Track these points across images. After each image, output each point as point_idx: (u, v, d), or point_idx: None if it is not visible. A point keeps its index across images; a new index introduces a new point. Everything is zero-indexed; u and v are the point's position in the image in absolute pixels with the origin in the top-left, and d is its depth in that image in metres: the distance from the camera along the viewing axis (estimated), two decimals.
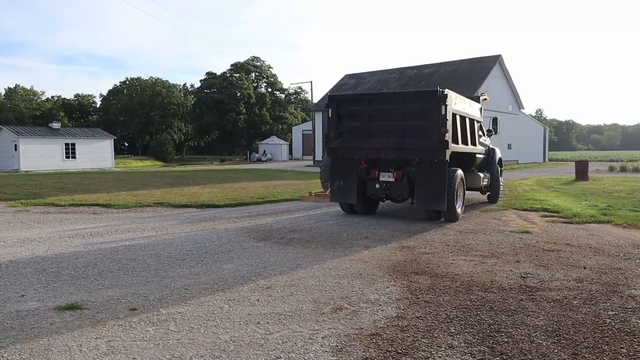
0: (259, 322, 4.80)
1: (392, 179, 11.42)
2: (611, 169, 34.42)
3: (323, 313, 5.06)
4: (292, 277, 6.47)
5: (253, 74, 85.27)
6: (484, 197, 15.13)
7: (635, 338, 4.38)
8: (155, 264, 7.14)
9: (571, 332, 4.50)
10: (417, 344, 4.27)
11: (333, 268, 6.93)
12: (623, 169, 34.03)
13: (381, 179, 11.56)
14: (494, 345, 4.23)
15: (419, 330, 4.57)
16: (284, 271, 6.77)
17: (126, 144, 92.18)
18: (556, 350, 4.12)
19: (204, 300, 5.49)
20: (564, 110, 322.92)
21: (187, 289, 5.90)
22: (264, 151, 64.59)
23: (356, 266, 7.04)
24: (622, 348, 4.17)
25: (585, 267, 6.90)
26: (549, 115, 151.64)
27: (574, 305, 5.25)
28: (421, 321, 4.81)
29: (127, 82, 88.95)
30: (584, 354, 4.05)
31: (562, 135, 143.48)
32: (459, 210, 11.46)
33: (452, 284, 6.10)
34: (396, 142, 11.04)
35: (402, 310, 5.14)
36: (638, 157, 59.07)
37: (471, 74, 37.40)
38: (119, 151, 73.09)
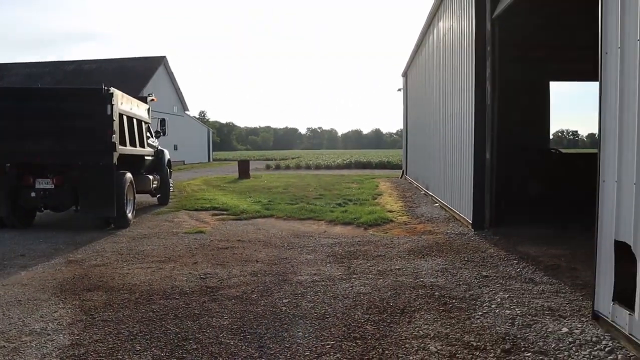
0: None
1: (51, 186, 10.15)
2: (268, 167, 38.64)
3: None
4: None
5: None
6: (155, 200, 14.86)
7: (307, 320, 4.82)
8: None
9: (254, 326, 4.67)
10: None
11: None
12: (277, 167, 38.88)
13: (38, 186, 10.15)
14: (184, 355, 4.06)
15: (101, 356, 4.05)
16: None
17: None
18: (244, 347, 4.20)
19: None
20: (225, 113, 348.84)
21: None
22: None
23: (12, 292, 5.92)
24: (299, 332, 4.52)
25: (257, 261, 7.35)
26: (211, 117, 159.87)
27: (253, 299, 5.49)
28: (101, 344, 4.29)
29: None
30: (269, 345, 4.24)
31: (224, 137, 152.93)
32: (129, 215, 10.94)
33: (130, 296, 5.68)
34: (55, 145, 9.89)
35: (77, 335, 4.50)
36: (288, 155, 68.00)
37: (136, 74, 36.61)
38: None
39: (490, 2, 9.18)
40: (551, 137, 23.70)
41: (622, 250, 4.23)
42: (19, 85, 34.76)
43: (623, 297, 4.23)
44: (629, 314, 4.06)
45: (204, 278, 6.42)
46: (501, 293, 5.57)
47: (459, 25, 10.98)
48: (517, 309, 5.01)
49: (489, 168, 9.47)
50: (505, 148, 10.52)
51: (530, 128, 16.69)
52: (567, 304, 5.17)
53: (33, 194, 10.14)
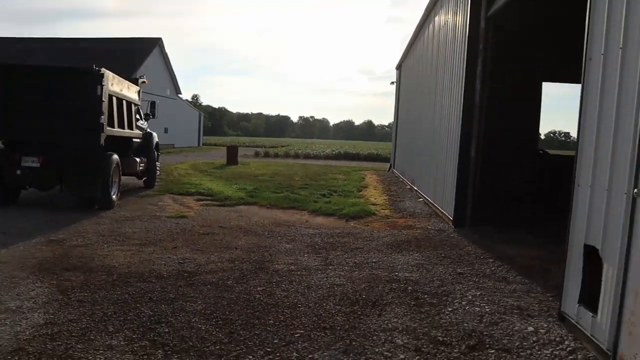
0: None
1: (37, 164, 10.13)
2: (257, 154, 38.62)
3: None
4: None
5: None
6: (141, 182, 14.83)
7: (279, 308, 4.90)
8: None
9: (227, 312, 4.74)
10: (70, 352, 3.83)
11: None
12: (267, 155, 38.83)
13: (24, 164, 10.13)
14: (155, 338, 4.12)
15: (73, 335, 4.11)
16: None
17: None
18: (214, 332, 4.27)
19: None
20: (217, 98, 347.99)
21: None
22: None
23: None
24: (270, 320, 4.60)
25: (236, 248, 7.42)
26: (204, 101, 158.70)
27: (228, 286, 5.56)
28: (75, 324, 4.34)
29: None
30: (239, 331, 4.32)
31: (215, 122, 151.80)
32: (114, 197, 10.93)
33: (108, 278, 5.73)
34: (43, 123, 9.87)
35: (52, 315, 4.55)
36: (278, 143, 68.00)
37: (130, 55, 36.24)
38: None
39: (487, 0, 9.21)
40: (542, 137, 23.83)
41: (591, 254, 4.33)
42: (9, 60, 34.40)
43: (589, 299, 4.33)
44: (592, 316, 4.17)
45: (182, 263, 6.48)
46: (473, 290, 5.68)
47: (454, 22, 11.03)
48: (486, 307, 5.12)
49: (473, 166, 9.55)
50: (493, 147, 10.60)
51: (520, 128, 16.74)
52: (536, 304, 5.28)
53: (19, 172, 10.11)
